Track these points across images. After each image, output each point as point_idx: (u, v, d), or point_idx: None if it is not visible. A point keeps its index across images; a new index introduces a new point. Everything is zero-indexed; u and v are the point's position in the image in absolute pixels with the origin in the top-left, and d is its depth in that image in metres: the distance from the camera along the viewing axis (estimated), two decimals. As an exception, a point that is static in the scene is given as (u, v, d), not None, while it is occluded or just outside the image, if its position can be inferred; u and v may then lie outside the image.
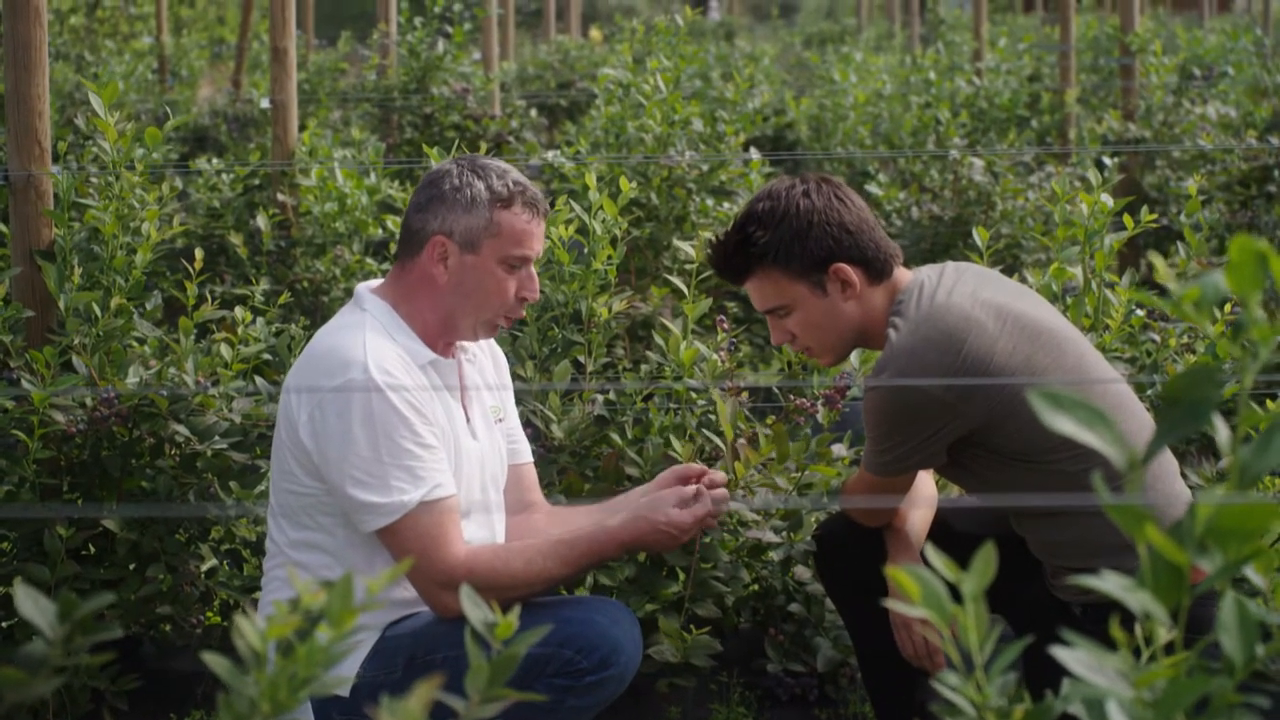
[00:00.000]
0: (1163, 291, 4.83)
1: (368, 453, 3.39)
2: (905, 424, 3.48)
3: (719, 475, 3.72)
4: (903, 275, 3.67)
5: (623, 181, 4.58)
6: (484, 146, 9.35)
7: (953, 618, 1.68)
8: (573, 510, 3.91)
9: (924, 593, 1.68)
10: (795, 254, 3.60)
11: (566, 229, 4.56)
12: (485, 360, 3.82)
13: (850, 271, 3.60)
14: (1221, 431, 1.64)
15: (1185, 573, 1.61)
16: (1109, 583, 1.64)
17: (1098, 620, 3.52)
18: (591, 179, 4.55)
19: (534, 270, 3.63)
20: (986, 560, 1.69)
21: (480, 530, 3.66)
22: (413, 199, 3.66)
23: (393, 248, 7.05)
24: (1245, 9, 32.14)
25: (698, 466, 3.74)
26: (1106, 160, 7.58)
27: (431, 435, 3.45)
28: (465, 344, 3.73)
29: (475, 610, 2.12)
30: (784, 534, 4.35)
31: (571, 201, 4.61)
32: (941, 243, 7.89)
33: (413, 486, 3.40)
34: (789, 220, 3.60)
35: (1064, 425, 1.65)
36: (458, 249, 3.56)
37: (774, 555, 4.38)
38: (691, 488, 3.61)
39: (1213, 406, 1.64)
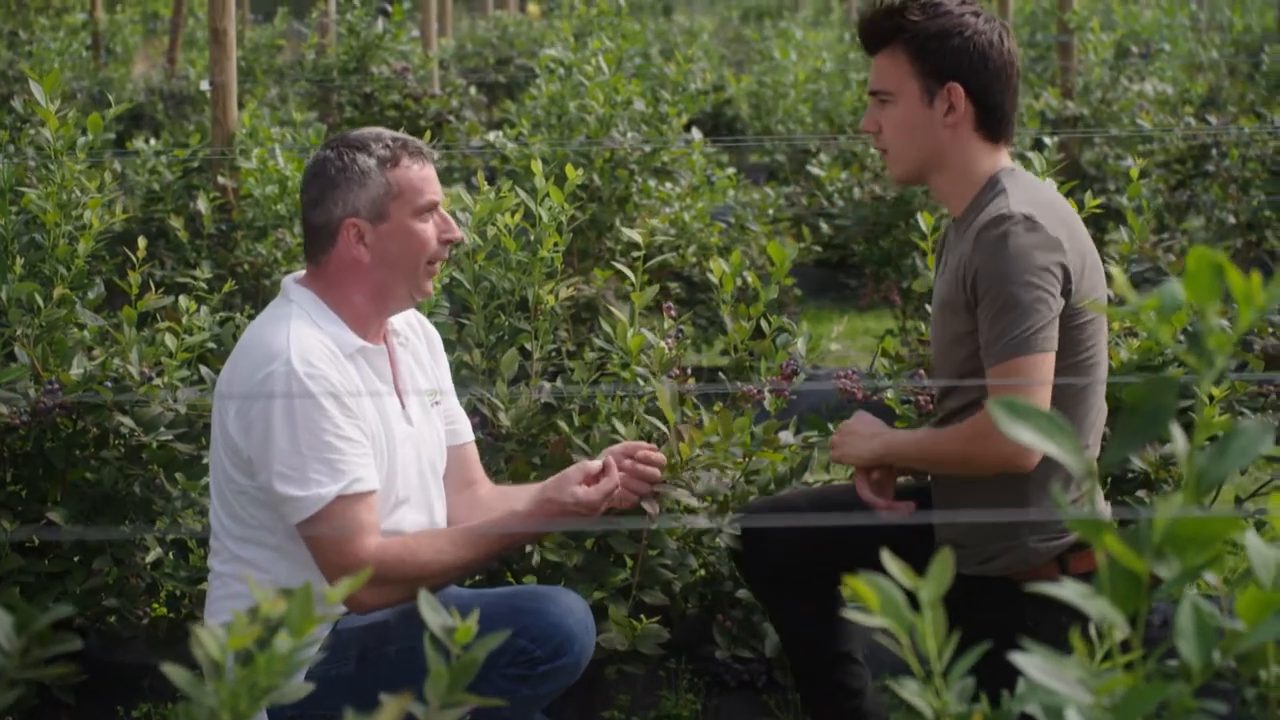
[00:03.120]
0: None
1: (288, 445, 3.40)
2: (1044, 268, 3.45)
3: (657, 454, 3.76)
4: (1006, 159, 3.71)
5: (569, 169, 4.56)
6: (425, 125, 9.34)
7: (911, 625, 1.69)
8: (514, 489, 3.93)
9: (882, 600, 1.69)
10: (929, 50, 3.64)
11: (512, 217, 4.54)
12: (419, 344, 3.82)
13: (963, 98, 3.64)
14: (1178, 440, 1.66)
15: (1144, 580, 1.63)
16: (1068, 590, 1.65)
17: (991, 589, 3.63)
18: (538, 166, 4.54)
19: (445, 213, 3.65)
20: (943, 566, 1.70)
21: (419, 516, 3.67)
22: (304, 197, 3.65)
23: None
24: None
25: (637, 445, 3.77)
26: (1046, 140, 7.62)
27: (354, 427, 3.46)
28: (398, 328, 3.73)
29: (434, 615, 2.11)
30: (718, 520, 4.36)
31: (518, 189, 4.60)
32: (884, 222, 7.92)
33: (331, 480, 3.40)
34: (944, 19, 3.64)
35: (1024, 435, 1.66)
36: (370, 224, 3.57)
37: (721, 541, 4.39)
38: (597, 462, 3.64)
39: (1171, 415, 1.66)
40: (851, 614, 1.72)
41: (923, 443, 3.68)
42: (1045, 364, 3.45)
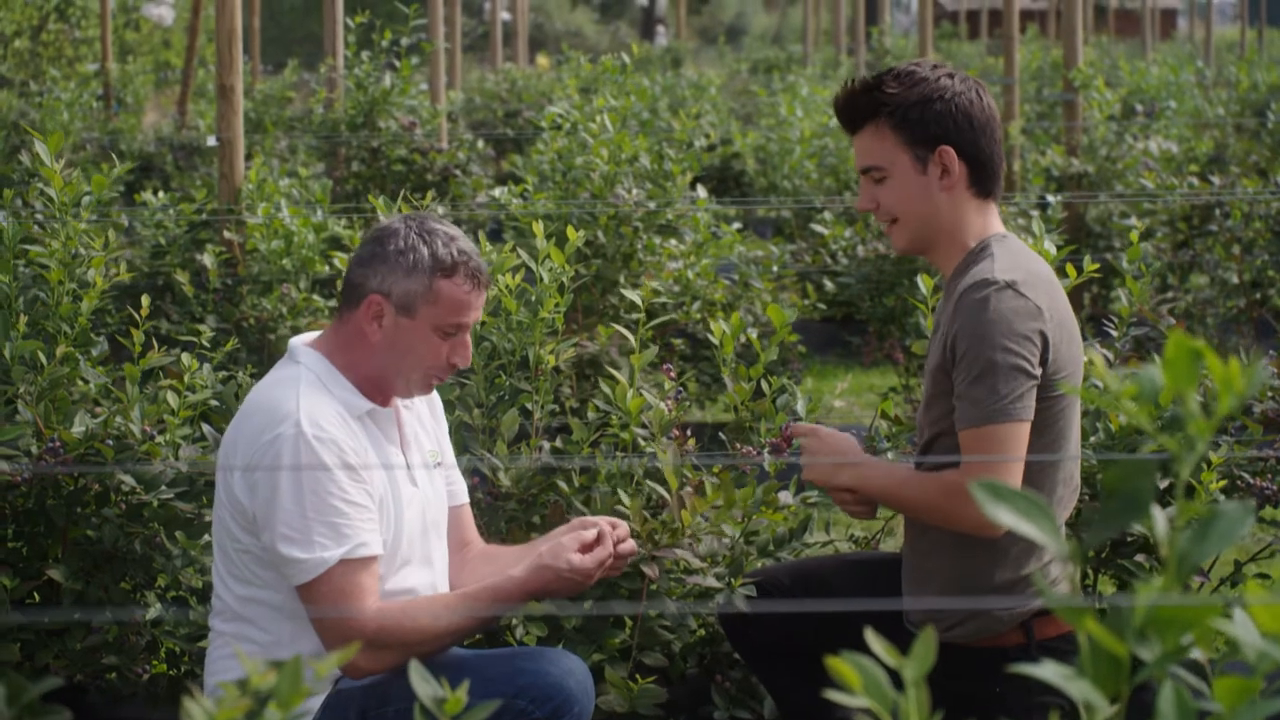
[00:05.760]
0: (1103, 332, 4.87)
1: (294, 508, 3.41)
2: (1024, 335, 3.45)
3: (623, 528, 3.73)
4: (997, 220, 3.72)
5: (569, 230, 4.59)
6: (431, 180, 9.39)
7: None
8: (500, 550, 3.94)
9: (864, 681, 1.70)
10: (912, 119, 3.64)
11: (513, 278, 4.57)
12: (421, 405, 3.84)
13: (955, 160, 3.63)
14: (1159, 523, 1.67)
15: (1125, 662, 1.64)
16: (1048, 671, 1.66)
17: (958, 656, 3.64)
18: (539, 228, 4.56)
19: (468, 338, 3.64)
20: (926, 645, 1.71)
21: (422, 575, 3.68)
22: (357, 250, 3.66)
23: (339, 284, 7.06)
24: (1188, 36, 32.44)
25: (601, 520, 3.74)
26: (1050, 198, 7.64)
27: (361, 492, 3.47)
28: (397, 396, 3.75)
29: (424, 686, 2.12)
30: (727, 580, 4.37)
31: (519, 250, 4.62)
32: (887, 280, 7.94)
33: (335, 544, 3.42)
34: (922, 86, 3.64)
35: (1003, 516, 1.67)
36: (393, 310, 3.56)
37: (720, 600, 4.39)
38: (592, 531, 3.63)
39: (1150, 498, 1.67)
40: (834, 695, 1.73)
41: (890, 489, 3.67)
42: (1020, 433, 3.45)
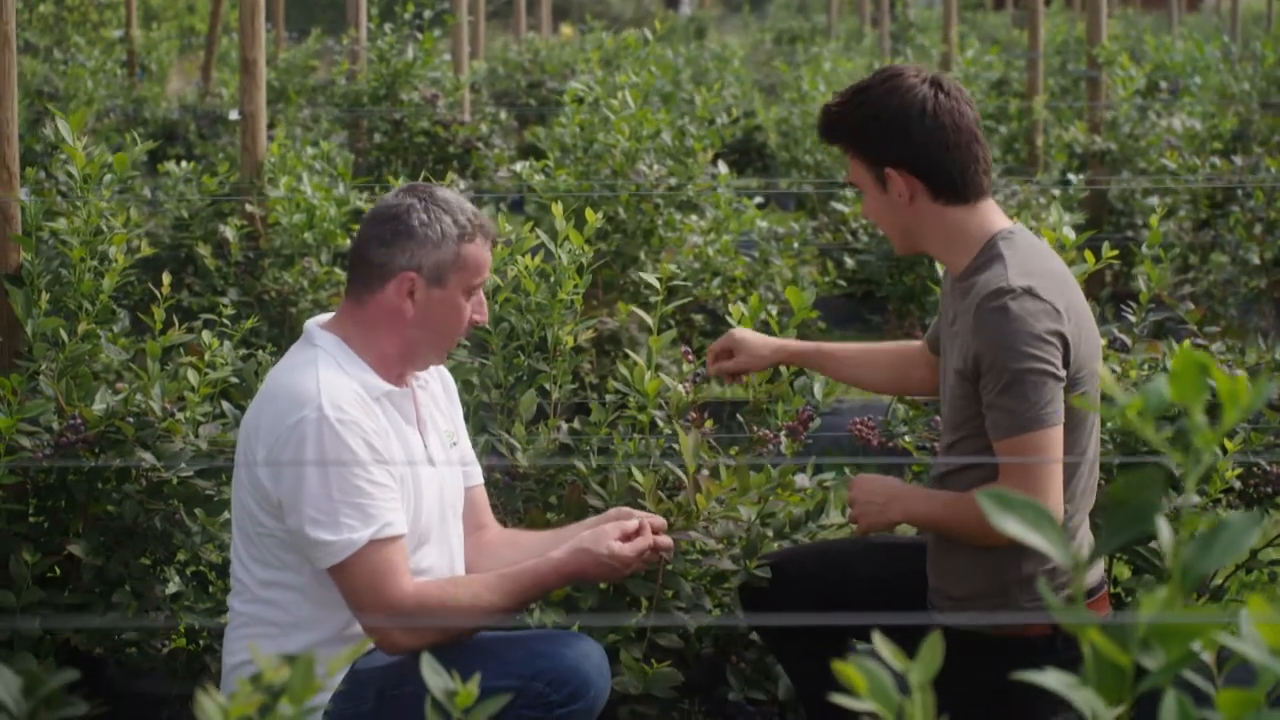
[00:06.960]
0: (1122, 314, 4.87)
1: (320, 490, 3.43)
2: (1046, 340, 3.41)
3: (660, 521, 3.76)
4: (997, 215, 3.64)
5: (589, 213, 4.59)
6: (454, 151, 9.40)
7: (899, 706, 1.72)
8: (524, 534, 3.97)
9: (870, 685, 1.72)
10: (860, 143, 3.63)
11: (533, 259, 4.58)
12: (436, 385, 3.87)
13: (902, 179, 3.59)
14: (1164, 535, 1.68)
15: (1129, 671, 1.65)
16: (1051, 678, 1.67)
17: (978, 647, 3.64)
18: (559, 209, 4.57)
19: (483, 294, 3.74)
20: (933, 649, 1.72)
21: (439, 557, 3.71)
22: (370, 232, 3.66)
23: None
24: (1214, 8, 32.26)
25: (639, 513, 3.78)
26: (1072, 177, 7.63)
27: (384, 472, 3.50)
28: (417, 371, 3.78)
29: (436, 679, 2.14)
30: (743, 562, 4.38)
31: (538, 231, 4.63)
32: (907, 259, 7.94)
33: (362, 525, 3.44)
34: (866, 106, 3.60)
35: (1011, 527, 1.68)
36: (425, 284, 3.61)
37: (735, 582, 4.41)
38: (634, 522, 3.67)
39: (1157, 509, 1.68)
40: (840, 699, 1.74)
41: (937, 516, 3.66)
42: (1055, 438, 3.43)
